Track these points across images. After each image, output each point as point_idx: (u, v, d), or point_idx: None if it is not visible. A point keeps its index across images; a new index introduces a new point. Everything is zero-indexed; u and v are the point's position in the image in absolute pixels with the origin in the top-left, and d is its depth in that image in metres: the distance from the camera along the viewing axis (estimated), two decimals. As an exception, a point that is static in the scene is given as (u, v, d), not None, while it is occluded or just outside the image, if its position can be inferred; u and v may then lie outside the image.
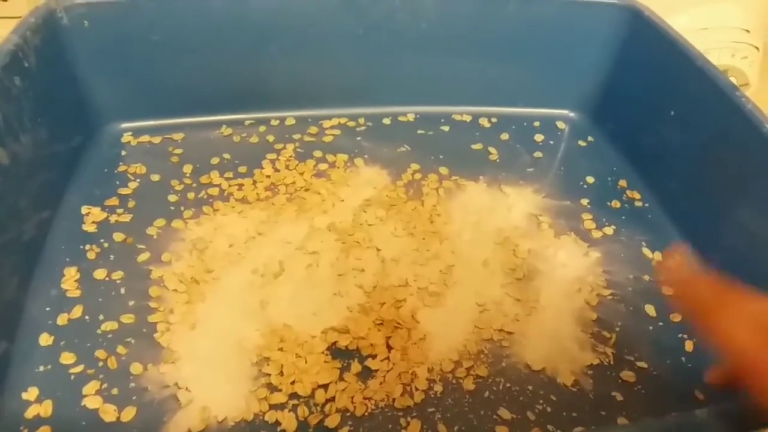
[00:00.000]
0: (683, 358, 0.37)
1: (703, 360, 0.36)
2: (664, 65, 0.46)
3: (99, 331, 0.35)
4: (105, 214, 0.42)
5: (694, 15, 0.55)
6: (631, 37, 0.49)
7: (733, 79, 0.41)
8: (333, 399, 0.33)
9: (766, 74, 0.58)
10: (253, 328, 0.36)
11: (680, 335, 0.38)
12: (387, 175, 0.48)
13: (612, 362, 0.36)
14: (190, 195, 0.44)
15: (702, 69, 0.42)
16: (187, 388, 0.33)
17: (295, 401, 0.33)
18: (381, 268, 0.40)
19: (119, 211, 0.43)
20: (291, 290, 0.39)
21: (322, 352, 0.35)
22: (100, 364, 0.34)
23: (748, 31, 0.55)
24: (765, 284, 0.36)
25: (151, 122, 0.50)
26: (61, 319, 0.36)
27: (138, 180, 0.45)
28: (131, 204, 0.43)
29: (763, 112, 0.37)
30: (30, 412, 0.31)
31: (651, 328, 0.38)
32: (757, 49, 0.56)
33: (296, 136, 0.50)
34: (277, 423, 0.32)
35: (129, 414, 0.32)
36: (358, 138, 0.51)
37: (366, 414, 0.33)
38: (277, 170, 0.47)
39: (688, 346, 0.37)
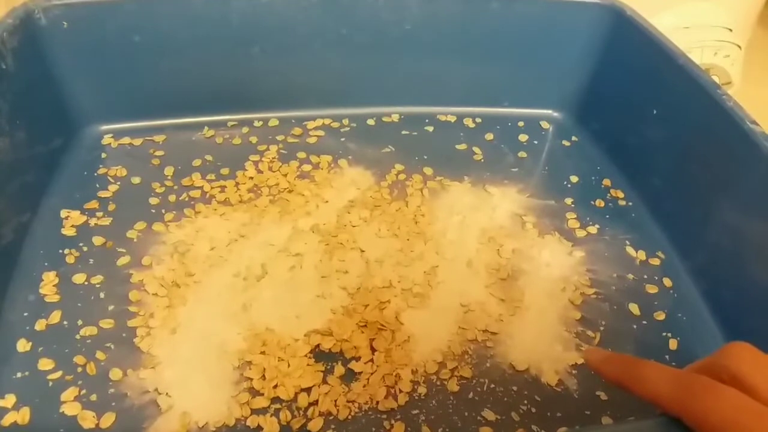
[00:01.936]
0: (667, 357, 0.37)
1: (687, 358, 0.36)
2: (647, 64, 0.46)
3: (78, 337, 0.35)
4: (84, 218, 0.42)
5: (676, 14, 0.55)
6: (613, 37, 0.49)
7: (715, 78, 0.41)
8: (316, 402, 0.33)
9: (749, 73, 0.58)
10: (235, 331, 0.36)
11: (664, 334, 0.38)
12: (371, 175, 0.47)
13: (596, 361, 0.36)
14: (172, 197, 0.44)
15: (684, 68, 0.42)
16: (167, 394, 0.33)
17: (278, 405, 0.33)
18: (365, 270, 0.40)
19: (99, 214, 0.42)
20: (274, 293, 0.38)
21: (305, 355, 0.35)
22: (79, 370, 0.33)
23: (730, 29, 0.55)
24: (748, 281, 0.37)
25: (132, 124, 0.49)
26: (39, 325, 0.35)
27: (118, 183, 0.45)
28: (111, 207, 0.43)
29: (745, 109, 0.37)
30: (7, 420, 0.31)
31: (635, 326, 0.38)
32: (740, 47, 0.56)
33: (279, 138, 0.50)
34: (259, 428, 0.32)
35: (108, 420, 0.31)
36: (342, 139, 0.51)
37: (349, 417, 0.32)
38: (260, 172, 0.47)
39: (672, 344, 0.37)
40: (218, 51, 0.48)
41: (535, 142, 0.52)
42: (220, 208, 0.43)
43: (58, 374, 0.33)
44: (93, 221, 0.42)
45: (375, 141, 0.51)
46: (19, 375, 0.33)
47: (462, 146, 0.51)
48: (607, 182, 0.48)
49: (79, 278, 0.38)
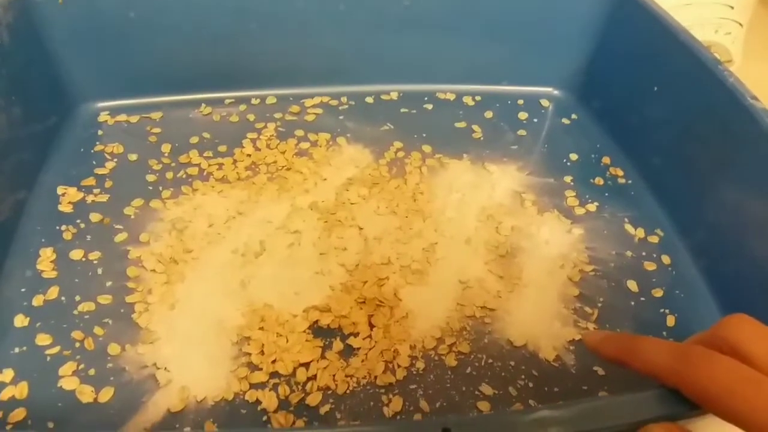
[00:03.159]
0: (665, 333, 0.37)
1: (684, 335, 0.36)
2: (648, 41, 0.45)
3: (75, 312, 0.35)
4: (81, 194, 0.42)
5: (677, -9, 0.55)
6: (614, 13, 0.49)
7: (716, 55, 0.41)
8: (314, 377, 0.33)
9: (750, 51, 0.57)
10: (233, 307, 0.36)
11: (662, 310, 0.38)
12: (370, 153, 0.47)
13: (594, 337, 0.36)
14: (169, 175, 0.44)
15: (685, 44, 0.42)
16: (166, 368, 0.33)
17: (276, 380, 0.33)
18: (363, 247, 0.40)
19: (96, 191, 0.42)
20: (272, 270, 0.38)
21: (304, 331, 0.35)
22: (77, 345, 0.33)
23: (731, 7, 0.55)
24: (747, 258, 0.37)
25: (129, 101, 0.49)
26: (37, 300, 0.35)
27: (115, 160, 0.45)
28: (108, 184, 0.43)
29: (746, 86, 0.37)
30: (5, 394, 0.31)
31: (633, 303, 0.38)
32: (741, 25, 0.55)
33: (277, 115, 0.50)
34: (258, 402, 0.32)
35: (107, 395, 0.31)
36: (341, 117, 0.50)
37: (348, 391, 0.32)
38: (257, 149, 0.46)
39: (670, 321, 0.37)
40: (215, 27, 0.47)
41: (535, 120, 0.52)
42: (217, 185, 0.43)
43: (56, 349, 0.33)
44: (90, 198, 0.41)
45: (373, 119, 0.50)
46: (17, 350, 0.33)
47: (461, 124, 0.51)
48: (606, 160, 0.48)
49: (76, 254, 0.38)
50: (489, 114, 0.52)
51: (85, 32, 0.45)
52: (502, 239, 0.41)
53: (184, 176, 0.44)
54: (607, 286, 0.39)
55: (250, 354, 0.34)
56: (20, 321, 0.34)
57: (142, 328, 0.34)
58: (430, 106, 0.52)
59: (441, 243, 0.41)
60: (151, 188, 0.43)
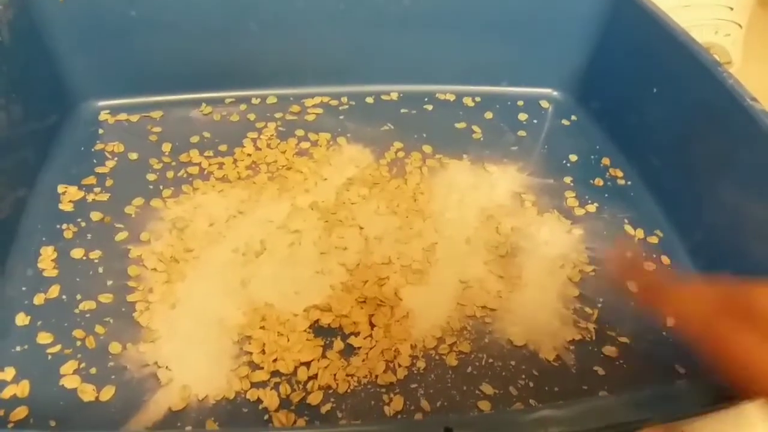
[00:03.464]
0: (664, 333, 0.37)
1: (683, 334, 0.36)
2: (647, 42, 0.46)
3: (76, 311, 0.35)
4: (82, 193, 0.42)
5: (677, -8, 0.55)
6: (614, 15, 0.49)
7: (715, 57, 0.41)
8: (315, 376, 0.33)
9: (749, 52, 0.57)
10: (234, 306, 0.36)
11: (661, 310, 0.38)
12: (370, 153, 0.47)
13: (594, 337, 0.36)
14: (170, 174, 0.44)
15: (684, 46, 0.42)
16: (167, 367, 0.33)
17: (277, 379, 0.33)
18: (364, 247, 0.40)
19: (96, 189, 0.42)
20: (273, 269, 0.38)
21: (305, 330, 0.35)
22: (78, 343, 0.33)
23: (731, 8, 0.55)
24: (746, 258, 0.37)
25: (129, 100, 0.49)
26: (38, 299, 0.35)
27: (116, 158, 0.45)
28: (109, 183, 0.43)
29: (745, 87, 0.37)
30: (6, 393, 0.31)
31: (633, 303, 0.38)
32: (740, 26, 0.56)
33: (278, 115, 0.50)
34: (259, 401, 0.32)
35: (108, 393, 0.31)
36: (341, 117, 0.50)
37: (349, 391, 0.33)
38: (258, 149, 0.47)
39: (670, 321, 0.37)
40: (216, 27, 0.47)
41: (535, 121, 0.52)
42: (218, 184, 0.43)
43: (57, 348, 0.33)
44: (91, 197, 0.41)
45: (374, 119, 0.50)
46: (18, 348, 0.33)
47: (461, 125, 0.51)
48: (606, 161, 0.48)
49: (77, 253, 0.38)
50: (489, 115, 0.52)
51: (86, 30, 0.45)
52: (502, 239, 0.41)
53: (184, 175, 0.44)
54: (607, 286, 0.39)
55: (251, 353, 0.34)
56: (21, 320, 0.34)
57: (143, 327, 0.34)
58: (430, 107, 0.52)
59: (441, 243, 0.41)
60: (151, 187, 0.43)
